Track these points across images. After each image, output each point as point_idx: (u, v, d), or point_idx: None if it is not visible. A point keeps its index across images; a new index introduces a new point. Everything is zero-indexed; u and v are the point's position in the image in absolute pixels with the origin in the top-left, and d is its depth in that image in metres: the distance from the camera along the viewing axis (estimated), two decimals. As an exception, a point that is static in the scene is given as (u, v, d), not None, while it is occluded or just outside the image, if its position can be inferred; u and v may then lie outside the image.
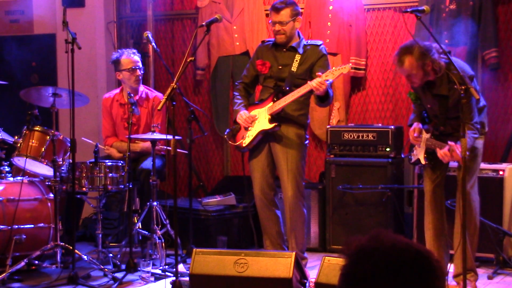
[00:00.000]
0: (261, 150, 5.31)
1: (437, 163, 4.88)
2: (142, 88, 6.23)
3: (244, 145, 5.31)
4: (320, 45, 5.28)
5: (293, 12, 5.20)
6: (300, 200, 5.30)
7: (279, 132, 5.22)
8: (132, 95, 5.67)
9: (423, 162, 4.88)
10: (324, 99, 5.08)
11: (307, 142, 5.34)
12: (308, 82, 4.99)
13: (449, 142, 4.57)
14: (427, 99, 4.86)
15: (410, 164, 5.16)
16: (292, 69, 5.20)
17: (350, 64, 5.03)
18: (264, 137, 5.26)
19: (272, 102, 5.21)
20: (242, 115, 5.27)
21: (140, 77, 6.13)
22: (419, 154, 4.91)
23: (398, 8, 6.52)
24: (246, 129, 5.30)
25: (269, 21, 5.34)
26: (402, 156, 5.18)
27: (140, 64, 6.13)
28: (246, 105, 5.37)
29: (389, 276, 1.52)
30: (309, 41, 5.40)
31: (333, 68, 4.97)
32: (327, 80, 4.92)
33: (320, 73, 4.94)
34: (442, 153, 4.64)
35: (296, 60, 5.21)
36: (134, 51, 6.24)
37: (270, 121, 5.19)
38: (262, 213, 5.38)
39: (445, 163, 4.85)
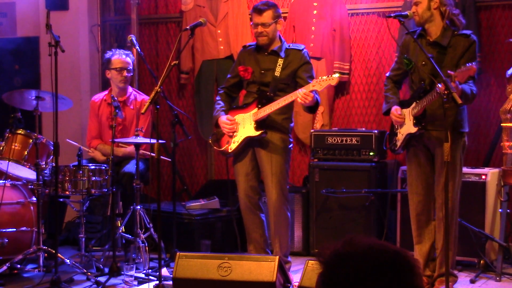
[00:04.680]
0: (245, 154, 5.32)
1: (423, 152, 4.95)
2: (131, 90, 6.24)
3: (230, 150, 5.31)
4: (303, 49, 5.28)
5: (275, 14, 5.21)
6: (284, 204, 5.30)
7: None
8: (116, 98, 5.66)
9: (413, 130, 4.86)
10: (312, 108, 5.09)
11: (291, 146, 5.35)
12: (297, 91, 4.98)
13: (440, 91, 4.52)
14: (422, 55, 4.84)
15: (394, 153, 5.16)
16: (276, 74, 5.21)
17: (338, 75, 4.99)
18: (249, 141, 5.27)
19: (256, 108, 5.21)
20: (225, 125, 5.26)
21: (128, 79, 6.14)
22: (407, 129, 4.91)
23: (382, 13, 6.56)
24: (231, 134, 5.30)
25: (251, 23, 5.34)
26: (384, 148, 5.19)
27: (129, 66, 6.13)
28: (226, 109, 5.37)
29: (371, 278, 1.53)
30: (291, 44, 5.40)
31: (321, 77, 4.94)
32: (314, 91, 4.92)
33: (309, 81, 4.94)
34: (440, 85, 4.52)
35: (279, 65, 5.21)
36: (128, 52, 6.24)
37: (256, 128, 5.19)
38: (247, 217, 5.38)
39: (431, 164, 4.92)
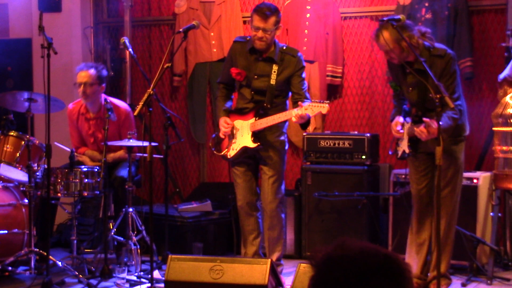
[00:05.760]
0: (244, 157, 5.32)
1: (422, 156, 4.97)
2: (104, 102, 5.90)
3: (229, 156, 5.32)
4: (297, 55, 5.23)
5: (277, 19, 5.17)
6: (279, 206, 5.32)
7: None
8: (108, 100, 5.65)
9: (407, 150, 4.90)
10: (304, 124, 5.11)
11: (287, 147, 5.37)
12: (292, 111, 5.01)
13: (424, 119, 4.58)
14: (407, 82, 4.89)
15: (398, 159, 5.18)
16: (271, 83, 5.19)
17: (328, 104, 4.96)
18: (246, 150, 5.26)
19: (254, 119, 5.21)
20: (222, 127, 5.26)
21: (87, 94, 5.89)
22: (403, 145, 4.94)
23: (375, 16, 6.57)
24: (231, 139, 5.30)
25: (251, 25, 5.19)
26: (390, 153, 5.21)
27: (90, 80, 5.87)
28: (226, 110, 5.37)
29: (361, 282, 1.53)
30: (285, 46, 5.33)
31: (314, 103, 4.93)
32: (307, 114, 4.93)
33: (302, 104, 4.93)
34: (418, 130, 4.64)
35: (274, 71, 5.18)
36: (91, 65, 6.02)
37: (254, 140, 5.20)
38: (243, 217, 5.39)
39: (431, 167, 4.91)
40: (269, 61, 5.22)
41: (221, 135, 5.32)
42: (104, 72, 6.04)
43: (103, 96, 6.02)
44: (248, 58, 5.28)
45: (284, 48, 5.29)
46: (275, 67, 5.19)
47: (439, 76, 4.75)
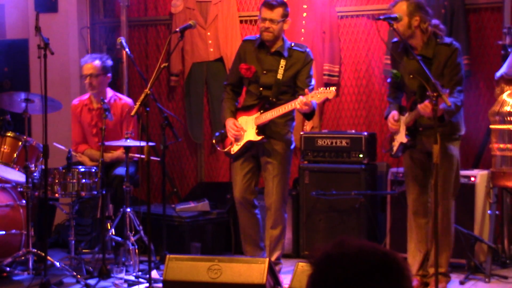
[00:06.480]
0: (246, 154, 5.31)
1: (418, 155, 4.97)
2: (111, 93, 6.15)
3: (232, 152, 5.32)
4: (305, 50, 5.24)
5: (284, 12, 5.19)
6: (283, 206, 5.31)
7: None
8: (105, 100, 5.65)
9: (404, 140, 4.89)
10: (309, 114, 5.09)
11: (293, 146, 5.35)
12: (296, 100, 4.96)
13: (428, 93, 4.52)
14: (408, 69, 4.88)
15: (392, 157, 5.18)
16: (278, 77, 5.18)
17: (334, 89, 4.96)
18: (251, 145, 5.25)
19: (259, 113, 5.20)
20: (231, 129, 5.25)
21: (93, 85, 5.99)
22: (400, 137, 4.93)
23: (371, 15, 6.57)
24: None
25: (258, 17, 5.26)
26: (384, 151, 5.22)
27: (95, 71, 5.97)
28: (233, 111, 5.35)
29: (360, 280, 1.54)
30: (293, 43, 5.33)
31: (320, 89, 4.92)
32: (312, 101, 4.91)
33: (307, 90, 4.92)
34: (422, 105, 4.61)
35: (282, 66, 5.18)
36: (96, 56, 6.12)
37: (258, 133, 5.19)
38: (242, 216, 5.38)
39: (428, 165, 4.91)
40: (277, 55, 5.22)
41: (231, 138, 5.30)
42: (109, 62, 6.15)
43: (110, 90, 6.15)
44: (257, 54, 5.28)
45: (293, 44, 5.30)
46: (282, 62, 5.18)
47: (443, 65, 4.76)
